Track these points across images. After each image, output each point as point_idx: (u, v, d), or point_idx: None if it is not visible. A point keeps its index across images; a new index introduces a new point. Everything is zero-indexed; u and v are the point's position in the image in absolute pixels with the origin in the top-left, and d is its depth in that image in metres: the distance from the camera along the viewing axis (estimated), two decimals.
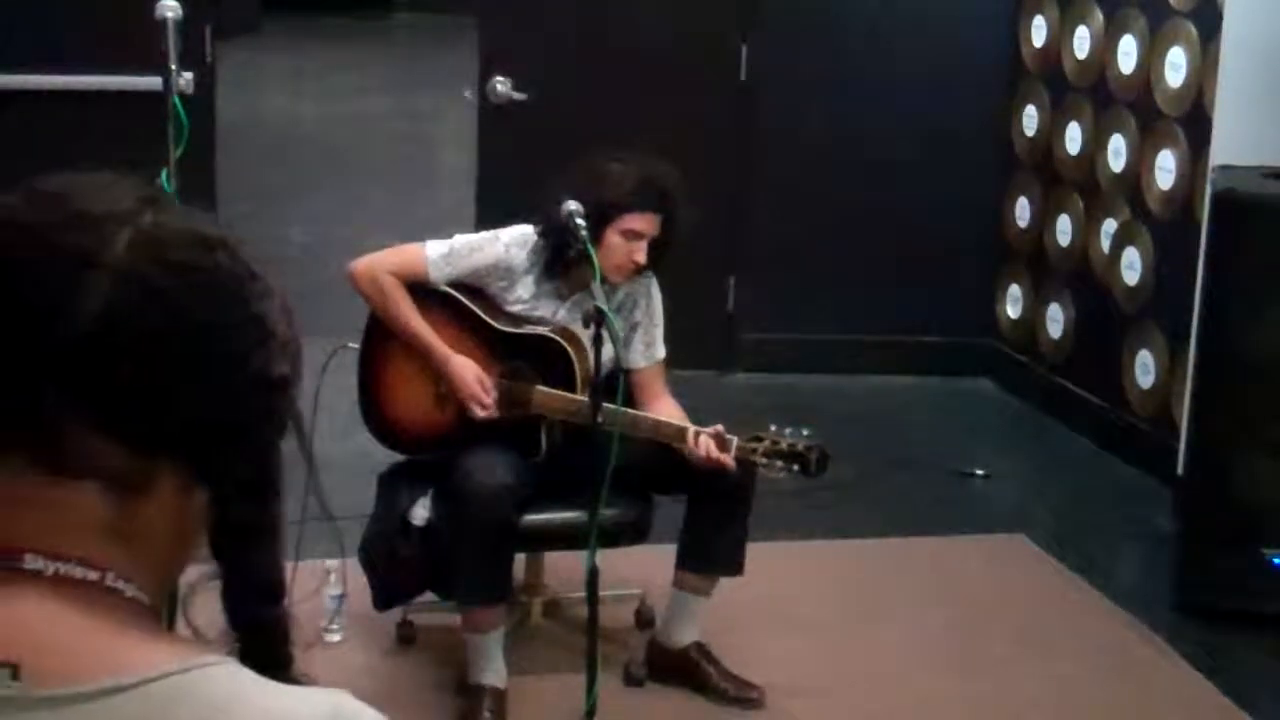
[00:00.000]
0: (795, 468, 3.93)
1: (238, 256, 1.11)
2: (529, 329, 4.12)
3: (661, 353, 4.27)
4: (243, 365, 1.09)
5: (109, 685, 1.01)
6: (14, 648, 1.01)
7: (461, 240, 4.16)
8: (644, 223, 4.06)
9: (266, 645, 1.09)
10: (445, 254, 4.11)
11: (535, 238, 4.11)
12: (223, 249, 1.10)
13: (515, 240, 4.14)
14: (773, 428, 3.97)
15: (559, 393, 4.05)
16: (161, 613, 1.09)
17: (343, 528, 4.54)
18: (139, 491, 1.07)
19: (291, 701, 1.06)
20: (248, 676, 1.06)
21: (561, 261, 4.08)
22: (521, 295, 4.14)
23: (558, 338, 4.09)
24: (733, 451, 3.93)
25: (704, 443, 3.92)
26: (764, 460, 3.93)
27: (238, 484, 1.10)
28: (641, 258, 4.07)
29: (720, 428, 3.96)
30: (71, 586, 1.03)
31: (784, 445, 3.93)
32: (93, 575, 1.03)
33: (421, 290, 4.11)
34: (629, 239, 4.05)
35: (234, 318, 1.09)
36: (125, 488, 1.06)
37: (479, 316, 4.12)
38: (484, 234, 4.22)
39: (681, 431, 3.97)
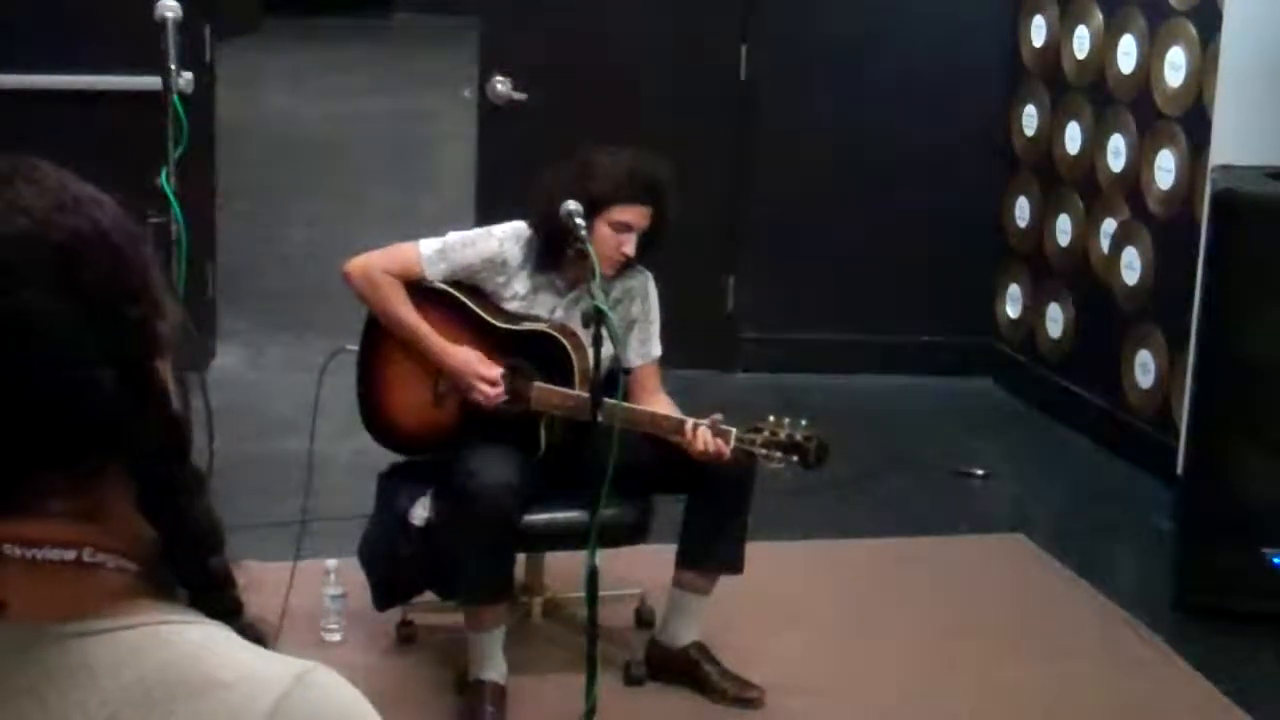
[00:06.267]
0: (794, 458, 3.92)
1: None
2: (528, 326, 4.12)
3: (657, 351, 4.26)
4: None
5: (78, 629, 1.04)
6: None
7: (455, 236, 4.16)
8: (633, 215, 4.06)
9: (218, 594, 1.10)
10: (439, 250, 4.11)
11: (529, 232, 4.12)
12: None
13: (509, 235, 4.14)
14: (771, 418, 3.96)
15: (557, 389, 4.05)
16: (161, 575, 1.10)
17: (343, 528, 4.56)
18: (92, 481, 1.08)
19: (259, 661, 1.07)
20: (222, 635, 1.08)
21: (555, 255, 4.08)
22: (518, 291, 4.13)
23: (556, 334, 4.09)
24: (731, 442, 3.92)
25: (701, 434, 3.92)
26: (763, 451, 3.92)
27: (149, 447, 1.09)
28: (631, 250, 4.07)
29: (718, 416, 3.96)
30: (52, 569, 1.05)
31: (782, 436, 3.92)
32: (69, 555, 1.05)
33: (419, 289, 4.11)
34: (618, 230, 4.04)
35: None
36: (77, 491, 1.07)
37: (477, 314, 4.12)
38: (477, 230, 4.23)
39: (679, 424, 3.97)
